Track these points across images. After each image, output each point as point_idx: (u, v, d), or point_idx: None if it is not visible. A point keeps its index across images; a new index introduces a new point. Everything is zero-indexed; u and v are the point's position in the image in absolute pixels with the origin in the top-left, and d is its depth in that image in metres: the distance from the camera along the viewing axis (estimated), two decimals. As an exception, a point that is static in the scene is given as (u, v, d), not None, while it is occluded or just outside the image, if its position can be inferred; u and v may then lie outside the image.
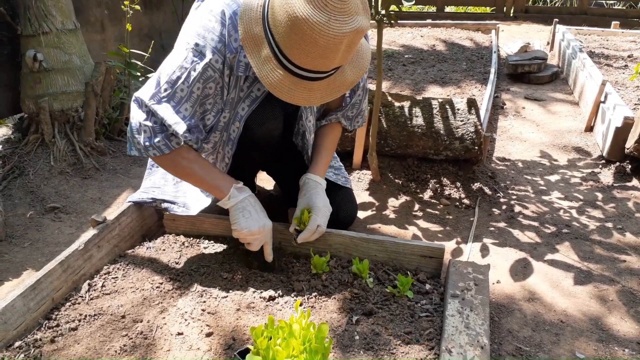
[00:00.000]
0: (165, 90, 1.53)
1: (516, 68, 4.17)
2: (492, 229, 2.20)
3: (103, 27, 3.54)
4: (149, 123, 1.56)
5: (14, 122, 2.93)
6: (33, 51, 2.61)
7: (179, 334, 1.41)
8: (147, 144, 1.58)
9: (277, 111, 1.74)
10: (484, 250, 2.05)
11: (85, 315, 1.48)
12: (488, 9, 7.31)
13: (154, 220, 1.98)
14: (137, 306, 1.53)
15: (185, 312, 1.48)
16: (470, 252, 2.04)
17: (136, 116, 1.57)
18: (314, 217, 1.68)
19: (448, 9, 7.14)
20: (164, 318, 1.48)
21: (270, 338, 1.21)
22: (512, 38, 5.66)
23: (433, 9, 6.96)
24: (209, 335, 1.41)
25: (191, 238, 1.86)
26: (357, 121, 1.91)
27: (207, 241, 1.85)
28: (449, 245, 2.06)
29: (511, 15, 6.78)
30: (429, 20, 5.82)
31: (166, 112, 1.53)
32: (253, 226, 1.62)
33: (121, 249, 1.81)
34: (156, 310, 1.51)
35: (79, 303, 1.55)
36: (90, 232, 1.71)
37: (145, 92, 1.56)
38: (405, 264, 1.73)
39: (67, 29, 2.71)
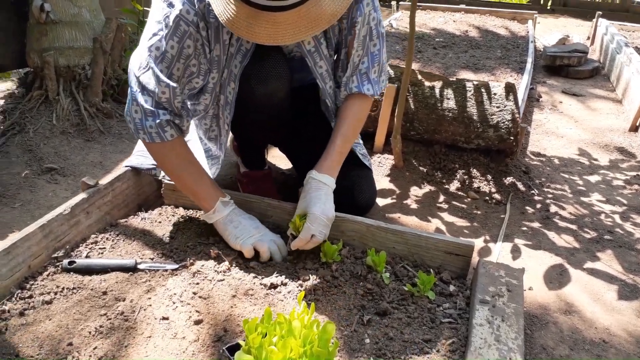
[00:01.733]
0: (149, 52, 1.37)
1: (554, 60, 3.90)
2: (524, 228, 1.99)
3: (120, -17, 3.36)
4: (140, 99, 1.40)
5: (19, 76, 2.77)
6: (40, 1, 2.43)
7: (164, 318, 1.24)
8: (138, 126, 1.43)
9: (280, 68, 1.53)
10: (516, 252, 1.84)
11: (63, 288, 1.32)
12: (525, 0, 6.98)
13: (152, 189, 1.80)
14: (121, 282, 1.36)
15: (174, 294, 1.31)
16: (500, 252, 1.83)
17: (130, 89, 1.43)
18: (307, 226, 1.42)
19: (482, -1, 6.82)
20: (149, 299, 1.30)
21: (266, 335, 1.02)
22: (548, 31, 5.37)
23: (468, -4, 6.65)
24: (197, 322, 1.23)
25: (191, 211, 1.68)
26: (382, 81, 1.66)
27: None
28: (476, 244, 1.85)
29: (548, 7, 6.46)
30: (462, 6, 5.54)
31: (150, 79, 1.38)
32: (247, 234, 1.47)
33: (113, 217, 1.64)
34: (142, 289, 1.34)
35: (58, 273, 1.38)
36: (80, 196, 1.53)
37: (134, 61, 1.42)
38: (427, 260, 1.53)
39: (79, -21, 2.53)
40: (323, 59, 1.57)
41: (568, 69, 3.89)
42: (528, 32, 4.67)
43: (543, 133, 2.91)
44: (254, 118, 1.62)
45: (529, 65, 3.45)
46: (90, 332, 1.19)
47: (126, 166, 1.73)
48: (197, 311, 1.26)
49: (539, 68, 4.07)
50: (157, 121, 1.40)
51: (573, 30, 5.47)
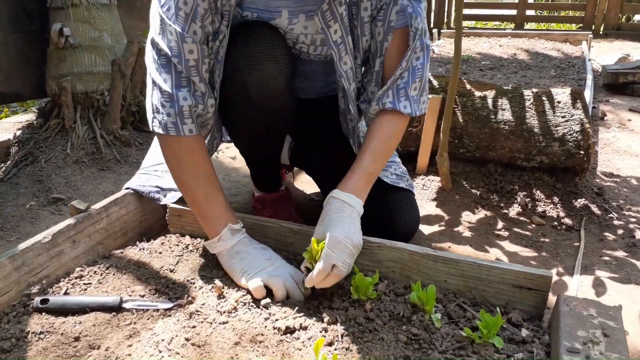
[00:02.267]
0: (163, 14, 1.16)
1: (617, 77, 3.53)
2: (606, 258, 1.61)
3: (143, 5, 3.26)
4: (159, 79, 1.19)
5: (39, 106, 2.65)
6: (59, 25, 2.32)
7: (144, 372, 0.95)
8: (154, 111, 1.22)
9: (275, 46, 1.26)
10: (599, 287, 1.47)
11: (28, 333, 1.06)
12: (574, 26, 6.63)
13: (157, 216, 1.55)
14: (100, 325, 1.08)
15: (162, 341, 1.02)
16: (579, 288, 1.46)
17: (148, 68, 1.23)
18: (326, 252, 1.11)
19: (528, 26, 6.51)
20: (130, 346, 1.02)
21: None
22: (603, 54, 4.99)
23: (511, 26, 6.36)
24: (187, 379, 0.93)
25: (198, 240, 1.42)
26: (423, 102, 1.35)
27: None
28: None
29: (601, 32, 6.07)
30: (508, 30, 5.25)
31: (172, 36, 1.16)
32: (257, 267, 1.20)
33: (107, 248, 1.39)
34: (123, 334, 1.06)
35: (27, 314, 1.12)
36: (66, 222, 1.30)
37: (150, 32, 1.22)
38: (489, 297, 1.19)
39: (100, 2, 2.41)
40: (348, 54, 1.31)
41: (633, 86, 3.50)
42: (583, 52, 4.33)
43: (613, 152, 2.52)
44: (252, 123, 1.36)
45: (589, 82, 3.09)
46: (47, 391, 0.91)
47: (126, 188, 1.49)
48: (187, 363, 0.97)
49: (599, 88, 3.69)
50: (176, 107, 1.18)
51: (631, 51, 5.07)
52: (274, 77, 1.27)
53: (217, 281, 1.20)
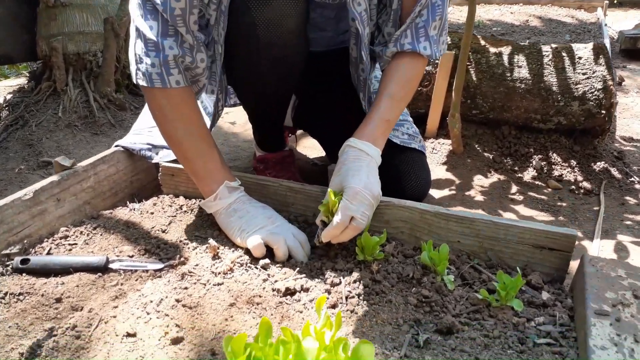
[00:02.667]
0: None
1: (635, 42, 3.39)
2: (628, 222, 1.51)
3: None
4: (143, 26, 1.08)
5: (30, 69, 2.54)
6: (48, -19, 2.19)
7: (128, 334, 0.86)
8: (138, 63, 1.10)
9: None
10: (621, 251, 1.37)
11: (6, 294, 0.97)
12: (588, -4, 6.40)
13: (150, 176, 1.46)
14: (83, 287, 1.00)
15: (150, 302, 0.93)
16: (600, 251, 1.37)
17: (132, 15, 1.11)
18: (344, 204, 1.03)
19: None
20: (116, 307, 0.94)
21: (259, 361, 0.63)
22: (618, 22, 4.81)
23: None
24: (176, 341, 0.85)
25: (193, 200, 1.32)
26: (442, 42, 1.24)
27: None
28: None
29: (615, 2, 5.85)
30: None
31: None
32: (257, 225, 1.10)
33: (95, 208, 1.30)
34: (109, 295, 0.97)
35: (7, 275, 1.04)
36: (49, 179, 1.21)
37: None
38: (507, 258, 1.10)
39: (91, -42, 2.29)
40: (366, 12, 1.19)
41: (652, 52, 3.35)
42: (598, 18, 4.16)
43: (632, 117, 2.41)
44: (256, 64, 1.23)
45: (607, 44, 2.95)
46: (22, 354, 0.83)
47: (116, 146, 1.39)
48: (177, 325, 0.88)
49: (615, 54, 3.55)
50: (161, 56, 1.07)
51: (647, 19, 4.89)
52: (288, 15, 1.14)
53: (211, 240, 1.10)
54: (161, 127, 1.16)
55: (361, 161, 1.10)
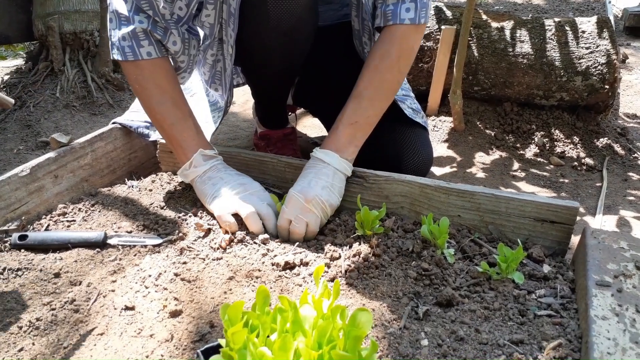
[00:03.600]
0: None
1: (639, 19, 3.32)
2: (631, 198, 1.50)
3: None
4: (117, 3, 1.09)
5: (27, 50, 2.52)
6: (43, -41, 2.16)
7: (127, 308, 0.86)
8: (112, 38, 1.12)
9: None
10: (624, 226, 1.37)
11: (5, 269, 0.97)
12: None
13: (148, 154, 1.45)
14: (82, 262, 0.99)
15: (149, 276, 0.93)
16: (603, 226, 1.36)
17: None
18: (282, 208, 1.06)
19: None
20: (114, 282, 0.94)
21: (257, 330, 0.63)
22: (621, 0, 4.74)
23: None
24: (174, 314, 0.85)
25: (191, 177, 1.31)
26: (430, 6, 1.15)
27: (212, 183, 1.29)
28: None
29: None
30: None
31: None
32: (229, 192, 1.09)
33: (93, 186, 1.29)
34: (107, 270, 0.97)
35: (5, 250, 1.03)
36: (47, 156, 1.20)
37: None
38: (508, 232, 1.09)
39: None
40: None
41: (656, 29, 3.30)
42: (602, -4, 4.11)
43: (636, 94, 2.38)
44: (266, 42, 1.20)
45: (612, 21, 2.90)
46: (20, 328, 0.83)
47: (113, 122, 1.38)
48: (175, 299, 0.88)
49: (619, 32, 3.50)
50: (130, 28, 1.07)
51: (652, -4, 4.82)
52: None
53: (198, 220, 1.10)
54: (139, 97, 1.18)
55: (311, 169, 1.10)
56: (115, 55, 1.11)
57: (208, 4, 1.11)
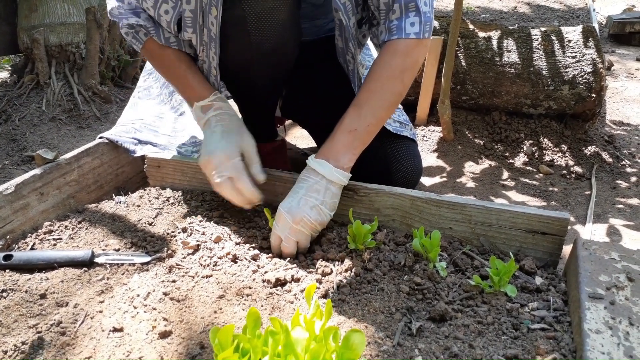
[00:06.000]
0: None
1: (624, 27, 3.38)
2: (620, 206, 1.51)
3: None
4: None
5: (12, 62, 2.49)
6: (28, -29, 2.14)
7: (115, 329, 0.84)
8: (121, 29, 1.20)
9: None
10: (614, 234, 1.37)
11: (-11, 291, 0.95)
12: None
13: (135, 168, 1.43)
14: (69, 282, 0.97)
15: (137, 296, 0.91)
16: (593, 236, 1.36)
17: None
18: (274, 225, 1.06)
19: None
20: (102, 302, 0.92)
21: (248, 355, 0.61)
22: (606, 7, 4.81)
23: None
24: (164, 335, 0.83)
25: (180, 192, 1.30)
26: (430, 14, 1.13)
27: (202, 197, 1.28)
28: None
29: (604, -14, 5.85)
30: (509, -15, 5.04)
31: None
32: (206, 151, 1.13)
33: (80, 202, 1.27)
34: (94, 290, 0.95)
35: (-11, 271, 1.01)
36: (32, 173, 1.18)
37: None
38: (499, 244, 1.09)
39: (72, -53, 2.23)
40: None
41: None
42: (586, 3, 4.16)
43: (622, 101, 2.41)
44: (249, 62, 1.19)
45: (596, 29, 2.94)
46: (5, 352, 0.81)
47: (100, 137, 1.36)
48: (164, 319, 0.86)
49: (604, 39, 3.55)
50: (127, 22, 1.17)
51: (635, 2, 4.89)
52: (279, 7, 1.10)
53: (184, 235, 1.09)
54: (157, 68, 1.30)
55: (304, 182, 1.08)
56: (133, 44, 1.22)
57: (187, 27, 1.11)
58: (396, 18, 1.11)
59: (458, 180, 1.67)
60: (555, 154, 1.76)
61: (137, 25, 1.17)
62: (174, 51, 1.20)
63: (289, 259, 1.03)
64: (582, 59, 1.71)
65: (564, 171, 1.70)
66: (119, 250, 1.07)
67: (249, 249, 1.05)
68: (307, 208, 1.04)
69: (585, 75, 1.70)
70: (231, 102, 1.49)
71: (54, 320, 0.87)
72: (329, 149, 1.11)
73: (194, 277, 0.97)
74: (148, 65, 1.58)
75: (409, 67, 1.13)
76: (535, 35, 1.77)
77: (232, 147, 1.12)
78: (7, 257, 1.02)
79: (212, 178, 1.10)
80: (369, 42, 1.60)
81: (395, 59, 1.12)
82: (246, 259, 1.03)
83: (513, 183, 1.65)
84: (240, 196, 1.10)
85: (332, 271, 0.99)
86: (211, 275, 0.98)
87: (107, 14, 1.23)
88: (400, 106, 1.51)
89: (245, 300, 0.91)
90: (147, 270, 1.00)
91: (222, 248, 1.05)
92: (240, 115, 1.52)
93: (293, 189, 1.10)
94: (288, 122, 1.96)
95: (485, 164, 1.76)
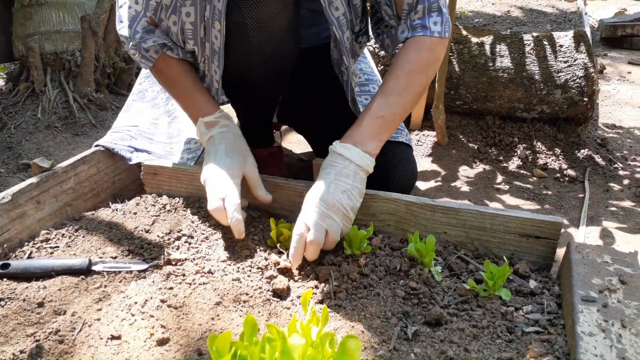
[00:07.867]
0: None
1: (615, 30, 3.42)
2: (613, 209, 1.52)
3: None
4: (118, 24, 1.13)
5: (7, 70, 2.49)
6: (23, -21, 2.15)
7: (113, 337, 0.85)
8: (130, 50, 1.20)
9: None
10: (607, 237, 1.38)
11: (-14, 300, 0.95)
12: (568, -15, 6.45)
13: (132, 176, 1.43)
14: (66, 290, 0.98)
15: (135, 304, 0.92)
16: (586, 238, 1.38)
17: None
18: (298, 219, 1.02)
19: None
20: (99, 310, 0.92)
21: (245, 360, 0.62)
22: (598, 11, 4.86)
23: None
24: (162, 343, 0.83)
25: (176, 199, 1.30)
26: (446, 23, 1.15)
27: (199, 203, 1.28)
28: (553, 228, 1.40)
29: (595, -9, 5.91)
30: (501, -10, 5.08)
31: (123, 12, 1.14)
32: (208, 171, 1.13)
33: (76, 210, 1.28)
34: (92, 298, 0.95)
35: (-14, 281, 1.02)
36: (28, 182, 1.18)
37: None
38: (493, 248, 1.10)
39: (66, -45, 2.24)
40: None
41: (632, 39, 3.40)
42: (579, 7, 4.20)
43: (614, 104, 2.43)
44: (249, 68, 1.21)
45: (588, 33, 2.97)
46: (3, 361, 0.81)
47: (96, 145, 1.37)
48: (162, 326, 0.87)
49: (596, 43, 3.58)
50: (133, 44, 1.16)
51: (627, 6, 4.94)
52: (279, 14, 1.11)
53: (176, 250, 1.09)
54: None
55: (333, 167, 1.06)
56: (144, 65, 1.20)
57: (188, 39, 1.12)
58: (418, 18, 1.14)
59: (453, 184, 1.68)
60: (549, 158, 1.78)
61: (153, 45, 1.15)
62: (181, 65, 1.20)
63: (284, 263, 1.03)
64: (574, 63, 1.73)
65: (558, 174, 1.71)
66: (116, 257, 1.07)
67: (246, 256, 1.06)
68: (339, 192, 1.02)
69: (577, 80, 1.72)
70: (228, 107, 1.51)
71: (52, 328, 0.87)
72: (355, 133, 1.10)
73: (191, 284, 0.98)
74: (144, 71, 1.59)
75: (433, 63, 1.15)
76: (528, 40, 1.79)
77: (234, 168, 1.12)
78: (5, 266, 1.02)
79: (208, 198, 1.09)
80: (366, 51, 1.62)
81: (421, 53, 1.13)
82: (243, 266, 1.03)
83: (507, 187, 1.66)
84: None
85: (328, 277, 1.00)
86: (208, 282, 0.98)
87: (125, 45, 1.21)
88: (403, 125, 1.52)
89: (242, 306, 0.92)
90: (145, 277, 1.01)
91: (219, 255, 1.06)
92: (237, 120, 1.53)
93: (320, 175, 1.07)
94: (284, 127, 1.97)
95: (480, 168, 1.78)
